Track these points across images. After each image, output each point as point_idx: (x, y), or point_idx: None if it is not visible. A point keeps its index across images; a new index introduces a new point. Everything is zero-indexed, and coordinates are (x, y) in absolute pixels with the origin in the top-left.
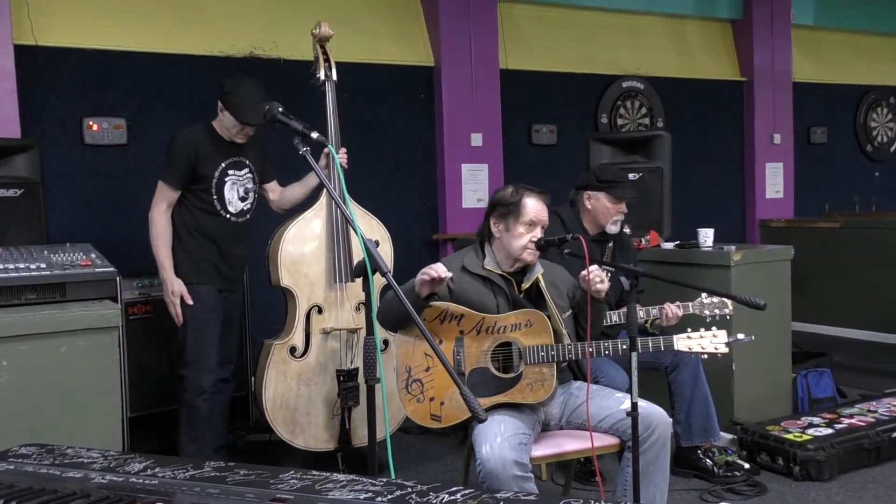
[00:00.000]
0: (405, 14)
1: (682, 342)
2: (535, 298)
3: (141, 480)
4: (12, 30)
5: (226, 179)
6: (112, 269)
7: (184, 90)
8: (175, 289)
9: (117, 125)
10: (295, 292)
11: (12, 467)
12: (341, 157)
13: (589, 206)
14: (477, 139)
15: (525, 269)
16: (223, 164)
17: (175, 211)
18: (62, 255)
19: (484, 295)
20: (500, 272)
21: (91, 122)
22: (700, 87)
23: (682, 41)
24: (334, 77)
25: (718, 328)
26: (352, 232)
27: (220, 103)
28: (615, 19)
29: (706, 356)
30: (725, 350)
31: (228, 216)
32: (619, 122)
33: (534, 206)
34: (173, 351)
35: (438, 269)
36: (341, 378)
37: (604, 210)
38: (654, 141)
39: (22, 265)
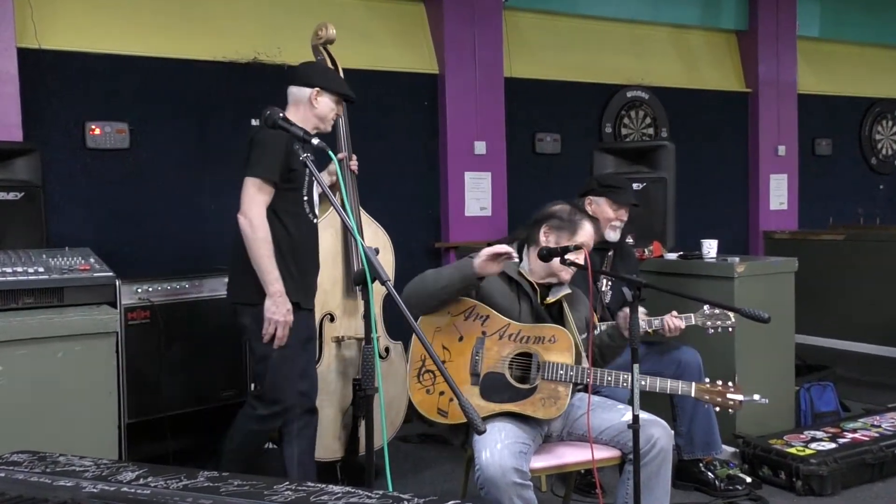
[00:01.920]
0: (410, 21)
1: (698, 391)
2: (555, 315)
3: (133, 490)
4: (16, 33)
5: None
6: (111, 273)
7: (187, 95)
8: (290, 307)
9: (120, 129)
10: None
11: (3, 475)
12: (353, 163)
13: (590, 212)
14: (480, 147)
15: (552, 285)
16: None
17: None
18: (61, 259)
19: (509, 299)
20: (531, 280)
21: (93, 126)
22: (705, 98)
23: (687, 51)
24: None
25: (729, 385)
26: (366, 240)
27: (311, 91)
28: (620, 29)
29: (718, 410)
30: (739, 407)
31: (314, 219)
32: (624, 131)
33: (589, 232)
34: (174, 357)
35: (506, 247)
36: (357, 387)
37: (603, 215)
38: (658, 151)
39: (20, 269)
